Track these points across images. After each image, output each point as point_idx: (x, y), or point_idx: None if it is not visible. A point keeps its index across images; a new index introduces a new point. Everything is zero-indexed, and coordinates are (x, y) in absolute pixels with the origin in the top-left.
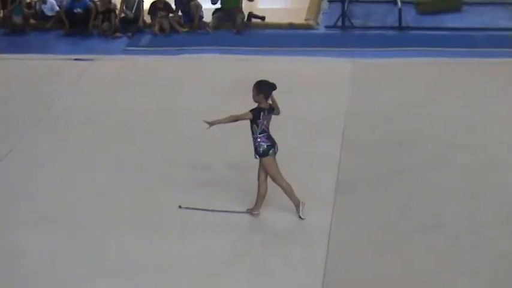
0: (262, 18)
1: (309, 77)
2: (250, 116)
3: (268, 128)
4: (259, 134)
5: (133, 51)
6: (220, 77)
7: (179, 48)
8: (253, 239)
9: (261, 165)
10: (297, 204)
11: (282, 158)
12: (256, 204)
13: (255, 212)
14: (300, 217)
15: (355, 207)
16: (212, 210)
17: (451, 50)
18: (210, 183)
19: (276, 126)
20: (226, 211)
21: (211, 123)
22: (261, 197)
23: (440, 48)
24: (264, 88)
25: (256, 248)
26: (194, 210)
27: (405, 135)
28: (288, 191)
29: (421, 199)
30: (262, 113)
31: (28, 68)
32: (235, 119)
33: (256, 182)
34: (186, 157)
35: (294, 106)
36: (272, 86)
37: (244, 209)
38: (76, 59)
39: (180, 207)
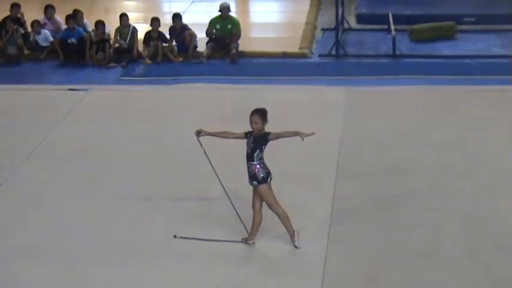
0: None
1: (303, 105)
2: (242, 136)
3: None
4: (259, 160)
5: (127, 81)
6: (214, 106)
7: (173, 77)
8: (248, 269)
9: (256, 194)
10: (291, 233)
11: (276, 186)
12: (251, 233)
13: (251, 241)
14: (295, 246)
15: (351, 235)
16: (207, 240)
17: (445, 77)
18: (204, 212)
19: (270, 154)
20: (221, 240)
21: (202, 134)
22: (256, 225)
23: (435, 76)
24: (266, 115)
25: (251, 278)
26: (189, 240)
27: (400, 162)
28: (285, 218)
29: (417, 226)
30: (269, 140)
31: (22, 98)
32: (227, 135)
33: (251, 211)
34: (180, 186)
35: None
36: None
37: (239, 238)
38: (70, 89)
39: (175, 236)
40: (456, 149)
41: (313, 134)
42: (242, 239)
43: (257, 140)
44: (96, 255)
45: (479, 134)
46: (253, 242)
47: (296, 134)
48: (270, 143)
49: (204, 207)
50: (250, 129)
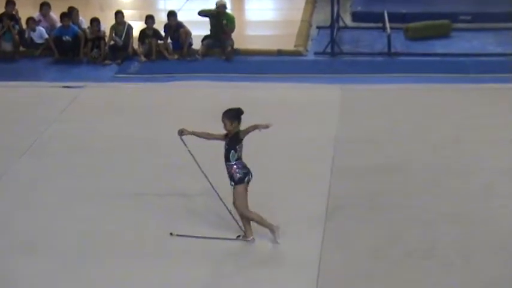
0: None
1: (298, 103)
2: (222, 137)
3: (241, 155)
4: (236, 160)
5: (122, 78)
6: (209, 103)
7: (168, 75)
8: (243, 266)
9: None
10: (272, 229)
11: (271, 184)
12: (246, 231)
13: (249, 238)
14: (276, 242)
15: (345, 233)
16: (203, 237)
17: (440, 75)
18: (201, 209)
19: (266, 152)
20: (217, 238)
21: (184, 133)
22: (248, 222)
23: (430, 74)
24: (236, 115)
25: (246, 275)
26: (185, 237)
27: (396, 161)
28: (258, 220)
29: (411, 225)
30: (242, 141)
31: (17, 95)
32: (209, 136)
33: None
34: (176, 184)
35: (283, 132)
36: (240, 111)
37: (235, 236)
38: (65, 86)
39: (171, 234)
40: (453, 147)
41: (269, 125)
42: (238, 236)
43: (231, 141)
44: (92, 252)
45: (475, 132)
46: (253, 238)
47: (255, 127)
48: (264, 142)
49: (201, 204)
50: None
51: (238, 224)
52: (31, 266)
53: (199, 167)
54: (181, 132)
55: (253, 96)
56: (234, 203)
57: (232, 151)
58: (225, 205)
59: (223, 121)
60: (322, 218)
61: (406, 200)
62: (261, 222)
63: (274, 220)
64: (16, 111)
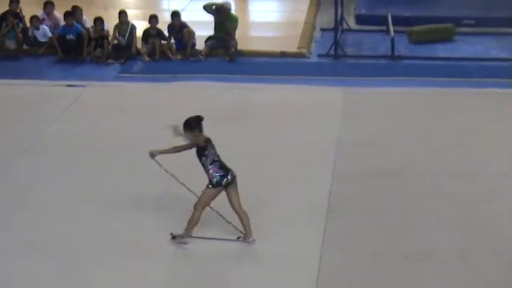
0: None
1: (301, 105)
2: (193, 146)
3: (218, 157)
4: (210, 165)
5: (125, 77)
6: (212, 104)
7: (171, 75)
8: (243, 267)
9: (229, 195)
10: (185, 233)
11: (273, 185)
12: (246, 232)
13: (250, 239)
14: (171, 234)
15: (346, 235)
16: (203, 238)
17: (443, 79)
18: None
19: (268, 153)
20: (217, 239)
21: (154, 154)
22: (246, 223)
23: (433, 78)
24: (194, 125)
25: (246, 277)
26: (185, 238)
27: (398, 164)
28: (192, 220)
29: (412, 228)
30: (207, 145)
31: (20, 94)
32: (178, 149)
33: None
34: (176, 185)
35: (286, 134)
36: (199, 118)
37: (234, 237)
38: (68, 85)
39: (171, 235)
40: (455, 151)
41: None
42: (238, 238)
43: (197, 150)
44: (90, 253)
45: (479, 136)
46: (253, 239)
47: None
48: (265, 144)
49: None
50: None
51: (236, 228)
52: (30, 266)
53: (181, 183)
54: (152, 155)
55: (256, 97)
56: (232, 206)
57: (203, 158)
58: (215, 211)
59: (184, 132)
60: (323, 220)
61: (408, 204)
62: (192, 224)
63: (275, 221)
64: (19, 109)
